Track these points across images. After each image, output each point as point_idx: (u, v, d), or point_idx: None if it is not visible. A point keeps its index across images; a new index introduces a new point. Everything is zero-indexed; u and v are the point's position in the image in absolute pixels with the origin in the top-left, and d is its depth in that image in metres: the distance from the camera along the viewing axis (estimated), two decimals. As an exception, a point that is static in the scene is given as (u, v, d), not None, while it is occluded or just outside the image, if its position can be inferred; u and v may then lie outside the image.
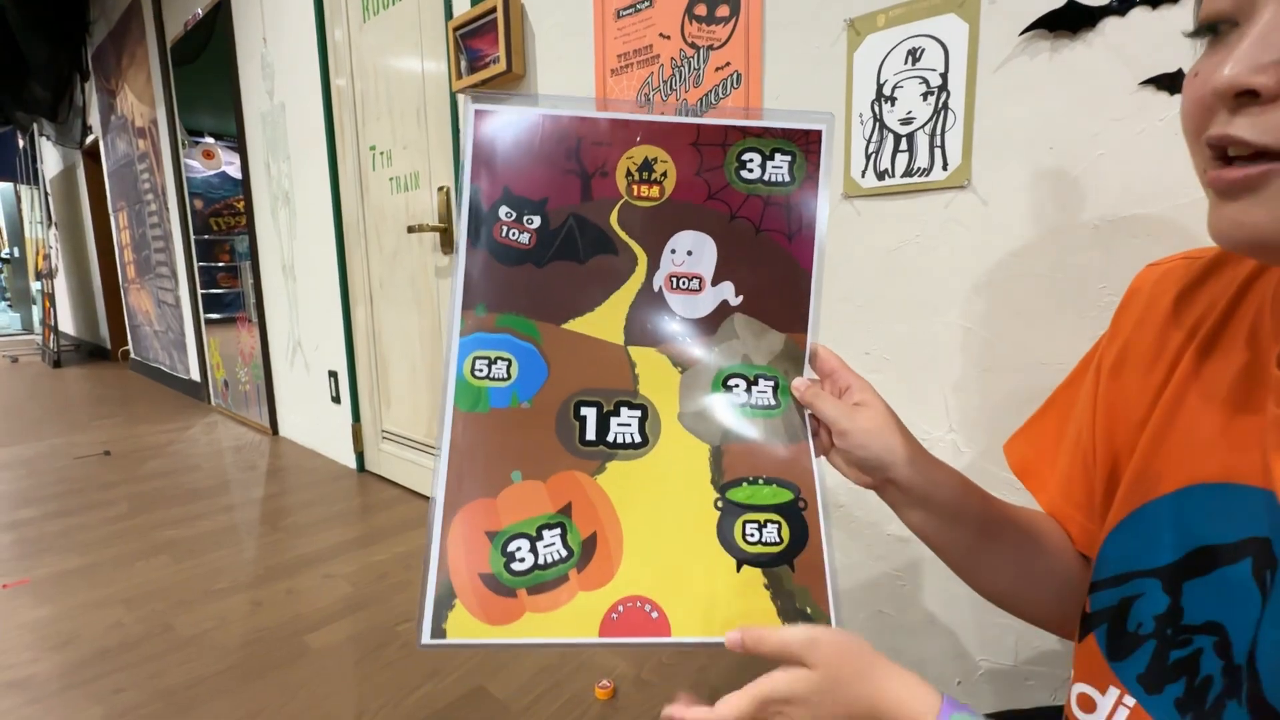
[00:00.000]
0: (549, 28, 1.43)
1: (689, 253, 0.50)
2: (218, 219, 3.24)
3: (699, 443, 0.47)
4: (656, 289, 0.50)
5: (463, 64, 1.57)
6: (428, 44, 1.81)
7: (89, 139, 5.04)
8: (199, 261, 3.42)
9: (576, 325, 0.49)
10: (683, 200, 0.50)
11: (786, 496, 0.46)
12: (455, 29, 1.55)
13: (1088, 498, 0.48)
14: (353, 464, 2.43)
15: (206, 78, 3.03)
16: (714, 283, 0.50)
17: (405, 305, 2.11)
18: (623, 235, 0.50)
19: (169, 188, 3.54)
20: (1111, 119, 0.76)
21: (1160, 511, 0.39)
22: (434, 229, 1.84)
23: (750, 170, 0.50)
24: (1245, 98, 0.27)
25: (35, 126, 5.99)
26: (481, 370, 0.47)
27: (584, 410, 0.48)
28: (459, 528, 0.44)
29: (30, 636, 1.34)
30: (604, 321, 0.49)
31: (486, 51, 1.50)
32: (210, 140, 3.18)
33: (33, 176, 6.76)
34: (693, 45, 1.16)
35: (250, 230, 2.92)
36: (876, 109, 0.95)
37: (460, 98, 1.67)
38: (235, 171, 3.01)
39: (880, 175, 0.96)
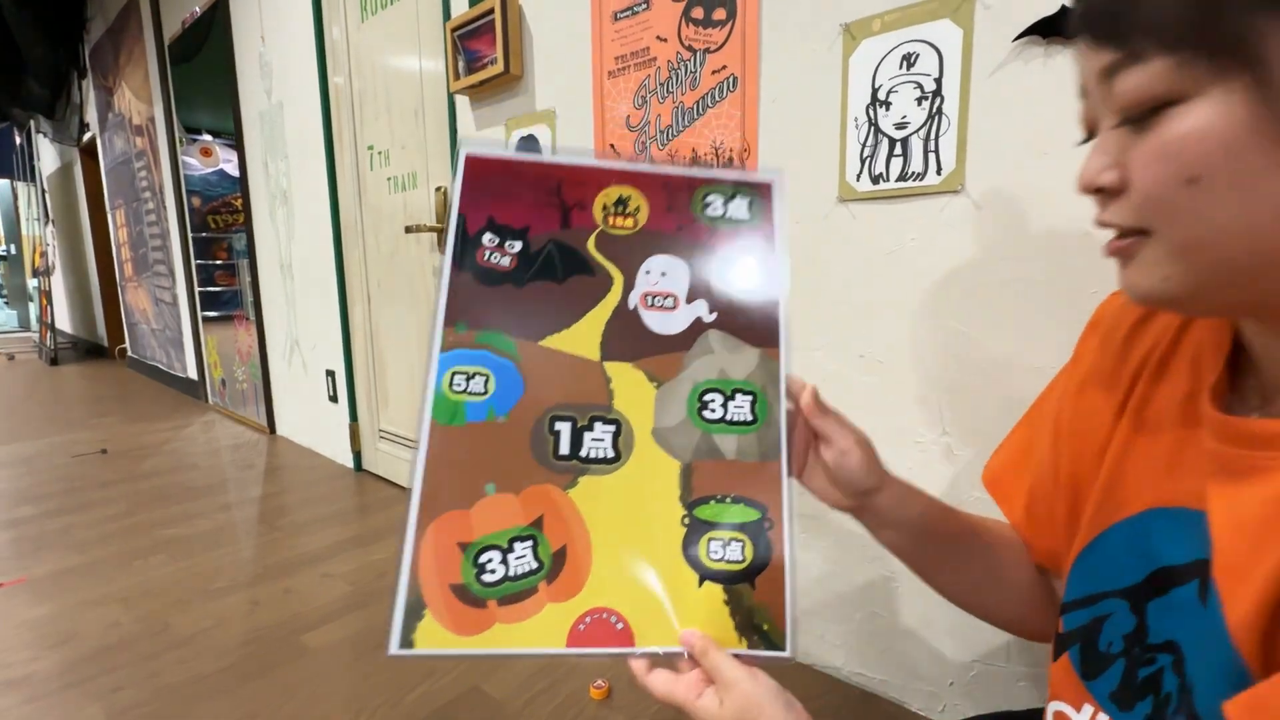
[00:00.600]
0: (547, 29, 1.43)
1: (663, 274, 0.52)
2: (215, 216, 3.24)
3: (670, 459, 0.49)
4: (632, 306, 0.51)
5: (460, 65, 1.57)
6: (426, 44, 1.81)
7: (86, 136, 5.03)
8: (196, 259, 3.41)
9: (553, 342, 0.50)
10: (655, 229, 0.53)
11: (753, 516, 0.48)
12: (453, 30, 1.55)
13: (1048, 515, 0.50)
14: (350, 463, 2.43)
15: (204, 75, 3.03)
16: (688, 301, 0.52)
17: (403, 305, 2.11)
18: (599, 258, 0.52)
19: (166, 185, 3.54)
20: (1103, 125, 0.77)
21: (1124, 534, 0.42)
22: (432, 229, 1.84)
23: (714, 208, 0.53)
24: (1101, 192, 0.34)
25: (32, 123, 5.98)
26: (459, 385, 0.49)
27: (558, 425, 0.49)
28: (432, 538, 0.46)
29: (28, 635, 1.35)
30: (581, 338, 0.50)
31: (484, 52, 1.51)
32: (208, 138, 3.18)
33: (29, 173, 6.74)
34: (689, 48, 1.16)
35: (248, 229, 2.92)
36: (871, 113, 0.96)
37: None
38: (233, 169, 3.01)
39: (875, 179, 0.97)
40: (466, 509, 0.47)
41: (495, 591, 0.45)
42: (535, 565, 0.46)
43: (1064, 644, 0.45)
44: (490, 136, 1.61)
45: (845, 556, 1.10)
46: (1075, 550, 0.45)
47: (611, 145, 1.32)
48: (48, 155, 6.39)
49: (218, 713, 1.09)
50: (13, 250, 9.44)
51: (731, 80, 1.11)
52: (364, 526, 1.91)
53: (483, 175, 0.53)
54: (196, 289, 3.47)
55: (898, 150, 0.94)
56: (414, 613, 0.44)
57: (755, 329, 0.51)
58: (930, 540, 0.52)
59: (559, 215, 0.52)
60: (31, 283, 7.26)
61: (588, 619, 0.45)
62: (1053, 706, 0.45)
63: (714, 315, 0.51)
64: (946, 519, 0.53)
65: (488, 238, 0.51)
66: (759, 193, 0.54)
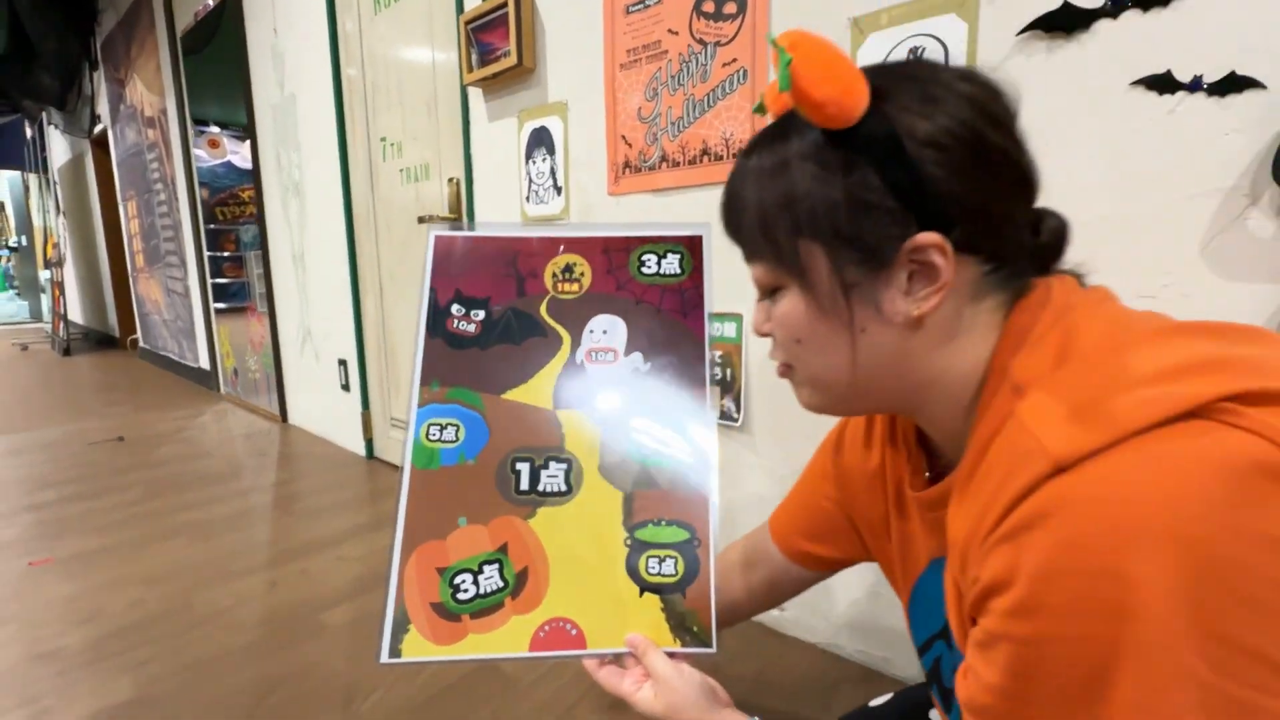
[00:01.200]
0: (559, 22, 1.46)
1: (604, 331, 0.61)
2: (223, 208, 3.27)
3: (614, 490, 0.58)
4: (579, 362, 0.60)
5: (474, 57, 1.60)
6: (438, 36, 1.84)
7: (97, 128, 5.07)
8: (207, 251, 3.45)
9: (513, 395, 0.60)
10: (598, 292, 0.62)
11: (683, 536, 0.56)
12: (466, 23, 1.58)
13: (809, 525, 0.65)
14: (362, 451, 2.47)
15: (211, 67, 3.06)
16: (625, 353, 0.60)
17: (415, 294, 2.13)
18: (550, 321, 0.61)
19: (179, 177, 3.58)
20: (1104, 118, 0.79)
21: (924, 585, 0.51)
22: (444, 220, 1.87)
23: (649, 266, 0.62)
24: (765, 336, 0.46)
25: (43, 115, 6.02)
26: (434, 435, 0.58)
27: (519, 465, 0.58)
28: (414, 565, 0.55)
29: (57, 611, 1.39)
30: (536, 390, 0.60)
31: (497, 45, 1.53)
32: (215, 129, 3.21)
33: (41, 165, 6.80)
34: (700, 41, 1.19)
35: (260, 220, 2.96)
36: (878, 106, 0.98)
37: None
38: (240, 161, 3.04)
39: (881, 170, 0.99)
40: (442, 539, 0.56)
41: (468, 607, 0.54)
42: (501, 584, 0.55)
43: (929, 685, 0.53)
44: (498, 125, 1.64)
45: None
46: (903, 606, 0.55)
47: (623, 137, 1.34)
48: (58, 147, 6.43)
49: (243, 685, 1.14)
50: (24, 242, 9.52)
51: (742, 73, 1.14)
52: (377, 512, 1.95)
53: (449, 252, 0.63)
54: (209, 280, 3.51)
55: (903, 142, 0.96)
56: (400, 627, 0.53)
57: (684, 374, 0.60)
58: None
59: (515, 285, 0.62)
60: (43, 274, 7.33)
61: (546, 627, 0.54)
62: None
63: (648, 366, 0.60)
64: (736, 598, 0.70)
65: (455, 308, 0.61)
66: (689, 246, 0.62)
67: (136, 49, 3.89)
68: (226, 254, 3.36)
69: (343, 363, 2.52)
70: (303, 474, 2.33)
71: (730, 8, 1.14)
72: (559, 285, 0.62)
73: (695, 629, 0.54)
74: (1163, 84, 0.75)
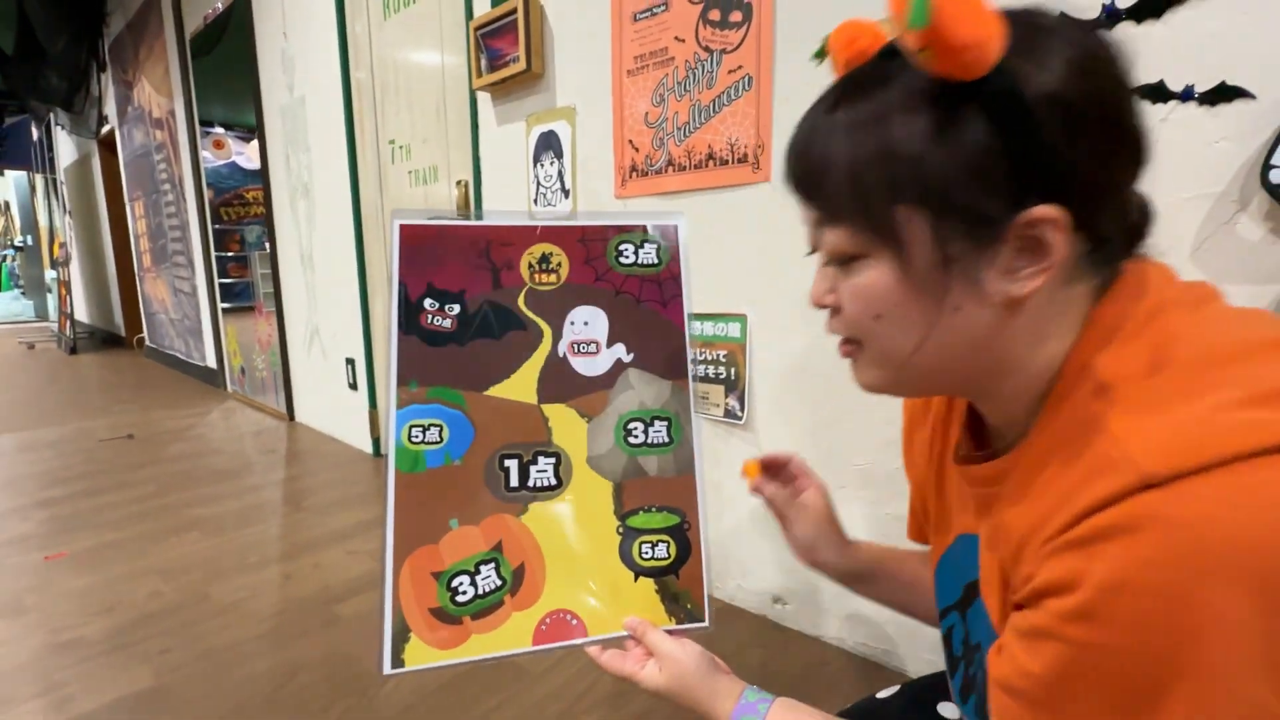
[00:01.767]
0: (568, 29, 1.49)
1: (585, 323, 0.60)
2: (227, 209, 3.31)
3: (603, 481, 0.58)
4: (561, 355, 0.60)
5: (483, 62, 1.63)
6: (447, 40, 1.87)
7: (105, 129, 5.11)
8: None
9: (497, 391, 0.58)
10: (577, 283, 0.61)
11: (674, 520, 0.58)
12: (476, 29, 1.61)
13: (923, 516, 0.63)
14: (369, 448, 2.50)
15: (217, 69, 3.09)
16: (608, 345, 0.60)
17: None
18: (529, 314, 0.60)
19: (186, 178, 3.61)
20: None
21: (950, 556, 0.51)
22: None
23: (626, 257, 0.61)
24: (825, 308, 0.43)
25: (51, 116, 6.07)
26: (417, 436, 0.56)
27: (507, 462, 0.57)
28: (409, 572, 0.54)
29: (76, 603, 1.43)
30: (519, 385, 0.59)
31: (506, 51, 1.56)
32: (220, 130, 3.25)
33: (48, 165, 6.84)
34: (706, 48, 1.22)
35: (268, 221, 2.99)
36: (881, 112, 1.01)
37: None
38: (245, 162, 3.07)
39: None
40: (435, 543, 0.55)
41: (468, 609, 0.54)
42: (499, 582, 0.55)
43: (943, 648, 0.55)
44: (507, 127, 1.67)
45: (856, 531, 1.16)
46: (930, 573, 0.55)
47: (630, 141, 1.37)
48: (65, 148, 6.47)
49: (261, 672, 1.17)
50: (29, 241, 9.56)
51: (747, 80, 1.17)
52: (385, 508, 1.98)
53: (418, 242, 0.59)
54: (216, 279, 3.54)
55: (905, 147, 0.99)
56: (400, 636, 0.53)
57: (666, 363, 0.61)
58: (874, 581, 0.67)
59: (490, 276, 0.59)
60: (50, 274, 7.37)
61: (548, 620, 0.55)
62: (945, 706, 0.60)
63: (631, 355, 0.60)
64: (884, 561, 0.67)
65: (428, 302, 0.58)
66: (665, 235, 0.62)
67: (145, 51, 3.93)
68: (231, 254, 3.39)
69: (350, 361, 2.55)
70: (311, 471, 2.36)
71: (736, 16, 1.17)
72: (536, 276, 0.60)
73: (690, 606, 0.56)
74: (1155, 93, 0.78)
